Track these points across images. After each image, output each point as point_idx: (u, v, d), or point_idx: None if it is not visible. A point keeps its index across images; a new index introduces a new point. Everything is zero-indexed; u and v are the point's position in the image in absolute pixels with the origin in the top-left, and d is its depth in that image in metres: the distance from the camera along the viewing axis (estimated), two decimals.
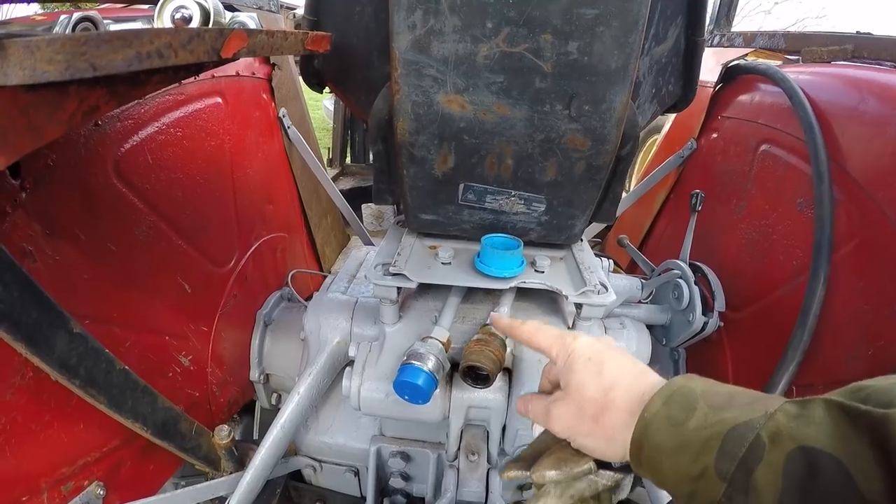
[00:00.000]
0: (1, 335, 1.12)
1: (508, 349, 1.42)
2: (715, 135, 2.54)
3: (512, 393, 1.51)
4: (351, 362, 1.69)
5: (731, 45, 3.00)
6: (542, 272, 1.53)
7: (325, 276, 2.61)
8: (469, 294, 1.65)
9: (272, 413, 2.32)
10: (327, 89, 1.71)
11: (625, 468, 0.92)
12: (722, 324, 2.00)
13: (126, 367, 1.42)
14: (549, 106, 1.29)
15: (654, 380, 0.87)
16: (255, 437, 2.42)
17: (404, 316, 1.61)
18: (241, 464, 1.84)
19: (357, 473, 1.92)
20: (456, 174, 1.43)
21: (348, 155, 5.59)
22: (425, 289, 1.59)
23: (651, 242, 2.88)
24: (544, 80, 1.25)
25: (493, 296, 1.66)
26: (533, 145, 1.36)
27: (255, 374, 2.19)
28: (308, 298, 2.23)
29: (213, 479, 1.80)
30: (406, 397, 1.37)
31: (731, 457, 0.69)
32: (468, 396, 1.52)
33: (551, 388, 1.03)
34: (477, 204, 1.50)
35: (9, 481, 1.28)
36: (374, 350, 1.59)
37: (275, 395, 2.33)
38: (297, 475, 2.02)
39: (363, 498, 1.96)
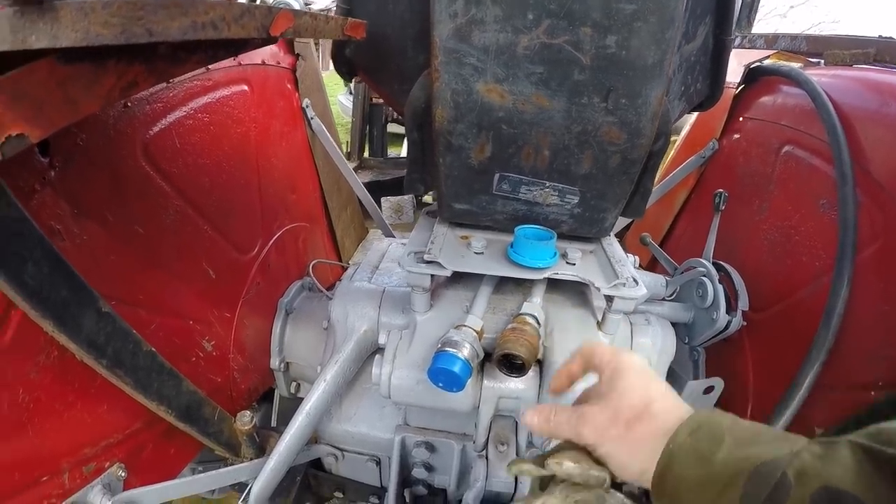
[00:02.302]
0: (29, 313, 1.14)
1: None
2: (737, 135, 2.56)
3: (542, 384, 1.53)
4: (378, 350, 1.72)
5: (753, 47, 3.03)
6: (574, 264, 1.55)
7: (344, 268, 2.63)
8: (499, 285, 1.67)
9: (291, 401, 2.35)
10: (342, 84, 1.73)
11: (635, 497, 0.92)
12: (745, 323, 2.02)
13: (153, 349, 1.44)
14: (587, 98, 1.32)
15: (689, 410, 0.87)
16: (273, 424, 2.44)
17: (435, 305, 1.63)
18: (261, 450, 1.86)
19: (379, 463, 1.94)
20: (492, 164, 1.46)
21: (366, 149, 5.63)
22: (455, 279, 1.61)
23: (671, 242, 2.89)
24: (583, 72, 1.28)
25: (522, 287, 1.68)
26: (570, 137, 1.38)
27: (275, 362, 2.21)
28: (329, 288, 2.25)
29: (232, 464, 1.83)
30: (440, 385, 1.39)
31: (757, 495, 0.70)
32: (499, 386, 1.54)
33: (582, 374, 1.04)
34: (511, 194, 1.52)
35: (31, 460, 1.30)
36: (405, 338, 1.61)
37: (294, 383, 2.35)
38: (316, 464, 2.04)
39: (383, 488, 1.99)
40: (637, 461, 0.84)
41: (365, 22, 1.36)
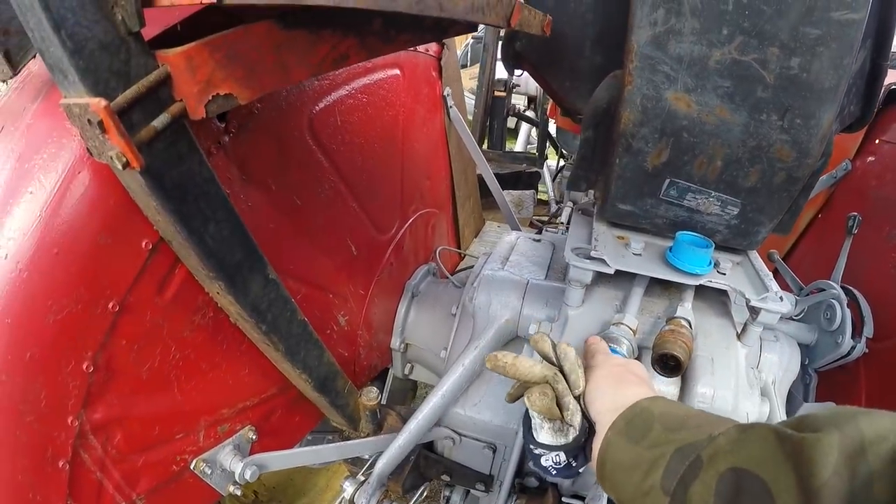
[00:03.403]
0: (199, 273, 1.23)
1: None
2: (872, 158, 2.56)
3: (685, 387, 1.59)
4: (517, 337, 1.83)
5: (892, 67, 3.01)
6: (725, 274, 1.61)
7: (462, 256, 2.72)
8: (648, 287, 1.74)
9: (402, 382, 2.45)
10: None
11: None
12: (867, 350, 2.05)
13: (305, 319, 1.52)
14: (766, 115, 1.39)
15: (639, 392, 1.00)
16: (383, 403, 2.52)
17: (586, 301, 1.70)
18: (379, 427, 1.94)
19: (495, 451, 2.00)
20: (665, 169, 1.53)
21: (486, 141, 5.76)
22: (607, 277, 1.67)
23: (793, 260, 2.90)
24: (766, 90, 1.36)
25: (669, 291, 1.74)
26: (743, 150, 1.45)
27: (395, 343, 2.31)
28: (452, 274, 2.34)
29: (348, 438, 1.91)
30: None
31: (673, 475, 0.79)
32: None
33: None
34: (676, 200, 1.59)
35: (172, 416, 1.39)
36: (555, 330, 1.68)
37: (408, 365, 2.44)
38: (426, 445, 2.10)
39: (490, 476, 2.05)
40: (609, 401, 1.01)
41: (552, 19, 1.44)
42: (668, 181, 1.55)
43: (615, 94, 1.46)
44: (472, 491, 2.14)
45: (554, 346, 1.19)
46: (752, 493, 0.70)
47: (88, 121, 0.83)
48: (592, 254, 1.58)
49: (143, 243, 1.16)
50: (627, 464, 0.88)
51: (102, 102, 0.81)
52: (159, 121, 0.93)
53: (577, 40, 1.59)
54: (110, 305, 1.14)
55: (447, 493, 2.26)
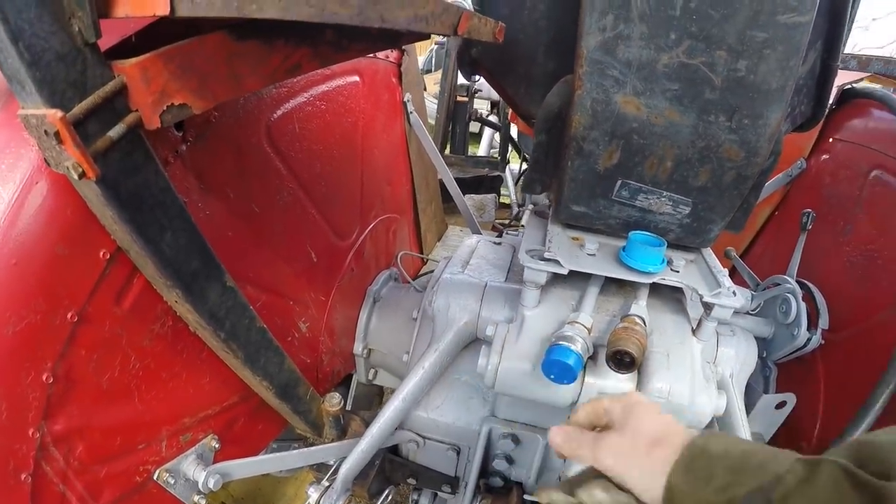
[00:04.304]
0: (156, 282, 1.26)
1: None
2: (826, 156, 2.65)
3: (640, 383, 1.64)
4: (477, 340, 1.87)
5: (846, 68, 3.11)
6: (678, 271, 1.66)
7: (425, 261, 2.76)
8: (603, 287, 1.79)
9: (366, 388, 2.48)
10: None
11: None
12: (823, 342, 2.12)
13: (264, 326, 1.55)
14: (714, 116, 1.45)
15: (692, 436, 0.97)
16: (348, 409, 2.55)
17: (543, 301, 1.74)
18: (343, 432, 1.97)
19: (458, 453, 2.05)
20: (617, 171, 1.58)
21: (448, 146, 5.80)
22: (562, 278, 1.72)
23: (751, 257, 2.98)
24: (714, 92, 1.42)
25: (624, 290, 1.79)
26: (693, 151, 1.51)
27: (358, 348, 2.35)
28: (414, 279, 2.38)
29: (312, 445, 1.94)
30: (552, 377, 1.51)
31: None
32: (600, 383, 1.64)
33: (590, 427, 1.13)
34: (628, 201, 1.64)
35: (133, 426, 1.40)
36: (513, 331, 1.72)
37: (372, 370, 2.48)
38: (391, 449, 2.13)
39: (456, 478, 2.10)
40: (658, 485, 0.93)
41: (504, 26, 1.49)
42: (619, 182, 1.60)
43: (566, 99, 1.51)
44: (438, 493, 2.18)
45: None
46: None
47: (45, 131, 0.86)
48: (546, 255, 1.62)
49: (101, 253, 1.18)
50: None
51: (59, 114, 0.84)
52: (115, 131, 0.96)
53: (530, 47, 1.64)
54: (69, 315, 1.16)
55: (415, 497, 2.30)
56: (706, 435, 0.94)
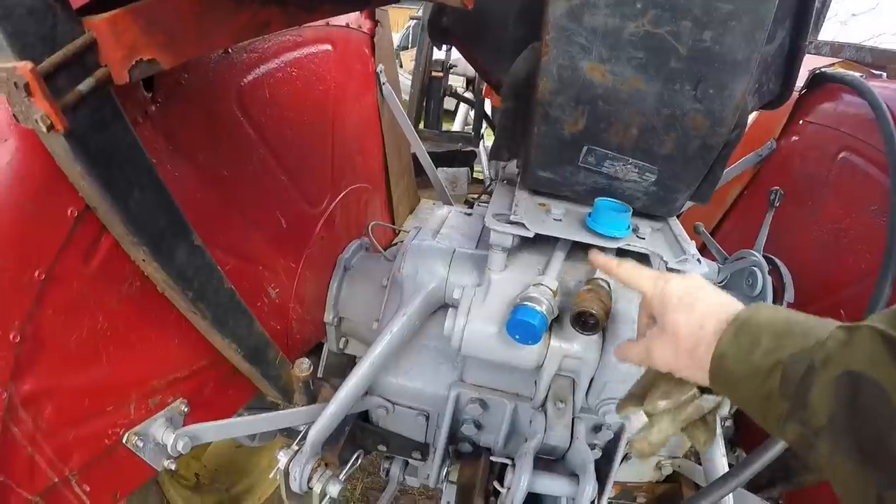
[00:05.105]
0: (124, 239, 1.28)
1: None
2: (796, 137, 2.73)
3: (605, 347, 1.70)
4: (446, 306, 1.90)
5: (818, 53, 3.18)
6: (644, 238, 1.71)
7: (397, 232, 2.80)
8: (570, 252, 1.83)
9: (338, 356, 2.51)
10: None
11: None
12: None
13: (232, 288, 1.58)
14: (679, 85, 1.50)
15: (737, 310, 1.02)
16: (320, 377, 2.58)
17: (510, 266, 1.78)
18: (313, 399, 1.99)
19: (427, 418, 2.10)
20: (583, 137, 1.62)
21: (422, 121, 5.86)
22: (529, 243, 1.77)
23: (721, 234, 3.05)
24: (679, 61, 1.46)
25: None
26: (658, 119, 1.55)
27: (329, 317, 2.38)
28: (385, 249, 2.42)
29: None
30: (517, 337, 1.56)
31: (791, 381, 0.85)
32: (565, 346, 1.69)
33: (647, 320, 1.20)
34: (595, 167, 1.69)
35: (101, 388, 1.42)
36: (479, 294, 1.76)
37: (343, 339, 2.52)
38: (362, 416, 2.18)
39: (426, 444, 2.14)
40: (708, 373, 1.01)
41: None
42: (585, 148, 1.65)
43: (533, 65, 1.55)
44: (409, 461, 2.23)
45: None
46: (868, 394, 0.76)
47: (15, 84, 0.88)
48: (512, 218, 1.66)
49: (69, 211, 1.19)
50: (741, 374, 0.93)
51: (29, 65, 0.87)
52: (84, 85, 0.99)
53: (500, 14, 1.68)
54: (37, 274, 1.17)
55: (386, 466, 2.36)
56: (752, 307, 1.00)
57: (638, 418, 1.53)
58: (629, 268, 1.27)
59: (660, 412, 1.14)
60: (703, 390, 1.10)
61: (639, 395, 1.21)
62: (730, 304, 1.04)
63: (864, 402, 0.76)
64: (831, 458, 0.80)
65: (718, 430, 1.67)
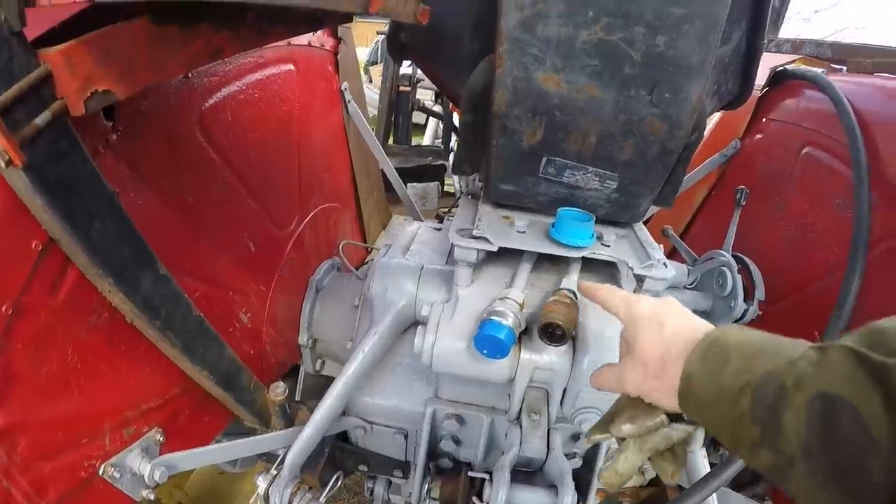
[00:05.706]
0: (88, 271, 1.28)
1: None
2: (759, 136, 2.78)
3: (576, 358, 1.72)
4: (416, 323, 1.92)
5: (779, 51, 3.25)
6: (609, 246, 1.75)
7: (368, 250, 2.82)
8: (537, 263, 1.86)
9: (314, 378, 2.53)
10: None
11: (693, 421, 1.10)
12: (760, 313, 2.23)
13: (201, 315, 1.60)
14: (635, 91, 1.53)
15: (706, 331, 1.02)
16: (298, 400, 2.60)
17: (476, 280, 1.81)
18: (290, 422, 2.00)
19: (406, 436, 2.11)
20: (541, 148, 1.65)
21: (391, 136, 5.90)
22: (495, 257, 1.80)
23: (689, 236, 3.09)
24: (633, 67, 1.49)
25: (558, 266, 1.86)
26: (615, 126, 1.59)
27: (303, 338, 2.40)
28: (357, 268, 2.44)
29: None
30: (485, 352, 1.58)
31: (763, 404, 0.84)
32: (536, 358, 1.72)
33: (625, 345, 1.19)
34: (555, 177, 1.72)
35: (74, 421, 1.42)
36: (447, 310, 1.78)
37: (319, 360, 2.54)
38: (341, 437, 2.18)
39: (406, 462, 2.15)
40: (677, 397, 1.01)
41: (430, 9, 1.55)
42: (545, 159, 1.68)
43: (489, 78, 1.58)
44: (392, 480, 2.24)
45: None
46: (843, 416, 0.74)
47: None
48: (475, 233, 1.69)
49: (34, 244, 1.20)
50: (710, 397, 0.92)
51: None
52: (41, 118, 1.01)
53: (455, 29, 1.70)
54: (3, 308, 1.18)
55: (370, 485, 2.36)
56: (722, 327, 1.00)
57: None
58: (605, 290, 1.29)
59: (626, 437, 1.15)
60: (674, 419, 1.10)
61: (608, 422, 1.21)
62: (699, 325, 1.05)
63: (839, 426, 0.75)
64: (807, 488, 0.80)
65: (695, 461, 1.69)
